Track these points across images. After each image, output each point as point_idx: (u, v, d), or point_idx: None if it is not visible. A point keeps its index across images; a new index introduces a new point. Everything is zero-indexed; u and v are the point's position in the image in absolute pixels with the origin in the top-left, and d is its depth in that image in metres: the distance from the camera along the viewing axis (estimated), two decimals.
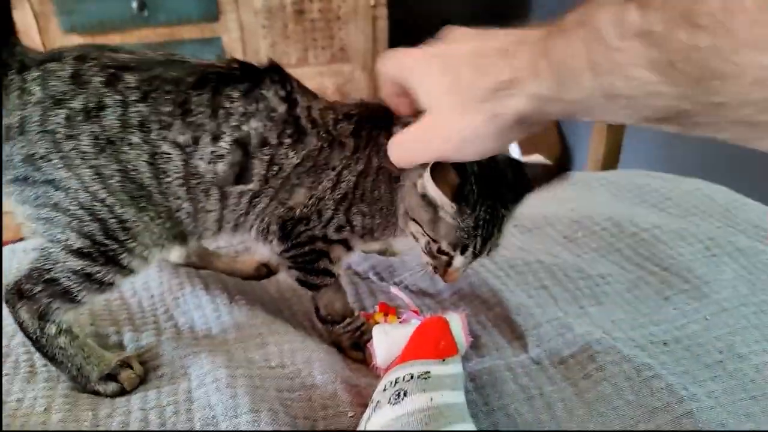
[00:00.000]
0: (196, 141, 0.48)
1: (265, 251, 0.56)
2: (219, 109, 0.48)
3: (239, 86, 0.49)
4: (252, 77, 0.50)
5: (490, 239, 0.47)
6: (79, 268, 0.47)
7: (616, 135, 1.34)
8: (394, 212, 0.52)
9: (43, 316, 0.47)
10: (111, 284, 0.48)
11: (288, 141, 0.50)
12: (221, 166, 0.49)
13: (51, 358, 0.47)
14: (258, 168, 0.50)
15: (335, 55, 2.21)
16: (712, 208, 0.74)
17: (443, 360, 0.35)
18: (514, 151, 2.32)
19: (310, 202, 0.52)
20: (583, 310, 0.55)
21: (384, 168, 0.51)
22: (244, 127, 0.49)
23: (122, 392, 0.46)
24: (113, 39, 1.92)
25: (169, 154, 0.47)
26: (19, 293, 0.46)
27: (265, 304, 0.58)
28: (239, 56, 1.83)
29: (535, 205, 0.74)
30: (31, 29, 1.83)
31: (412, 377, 0.33)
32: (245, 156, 0.49)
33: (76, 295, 0.47)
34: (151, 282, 0.58)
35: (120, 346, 0.52)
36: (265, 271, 0.64)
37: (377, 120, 0.52)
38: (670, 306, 0.55)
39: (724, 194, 0.78)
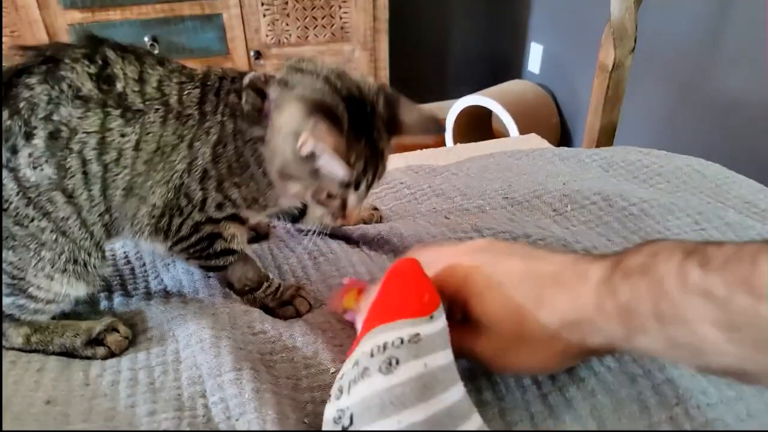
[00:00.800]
0: (12, 150, 0.43)
1: (157, 249, 0.53)
2: (19, 103, 0.43)
3: (37, 70, 0.44)
4: (53, 58, 0.45)
5: (376, 171, 0.47)
6: (9, 302, 0.47)
7: (611, 114, 1.34)
8: (268, 177, 0.49)
9: (7, 338, 0.48)
10: (39, 312, 0.48)
11: (115, 123, 0.45)
12: (48, 169, 0.44)
13: (37, 351, 0.48)
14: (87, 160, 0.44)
15: (335, 34, 2.20)
16: (703, 183, 0.75)
17: (431, 317, 0.34)
18: (512, 130, 2.32)
19: (171, 187, 0.47)
20: None
21: (237, 127, 0.47)
22: (55, 117, 0.43)
23: (112, 355, 0.47)
24: (113, 15, 1.92)
25: None
26: None
27: None
28: (239, 34, 1.86)
29: (525, 179, 0.76)
30: (30, 6, 1.82)
31: (402, 342, 0.33)
32: (68, 149, 0.44)
33: (18, 318, 0.48)
34: (144, 247, 0.59)
35: (111, 311, 0.53)
36: (254, 235, 0.64)
37: (226, 80, 0.48)
38: None
39: (715, 170, 0.78)
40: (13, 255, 0.46)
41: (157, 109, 0.46)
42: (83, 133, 0.44)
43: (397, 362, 0.32)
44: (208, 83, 0.48)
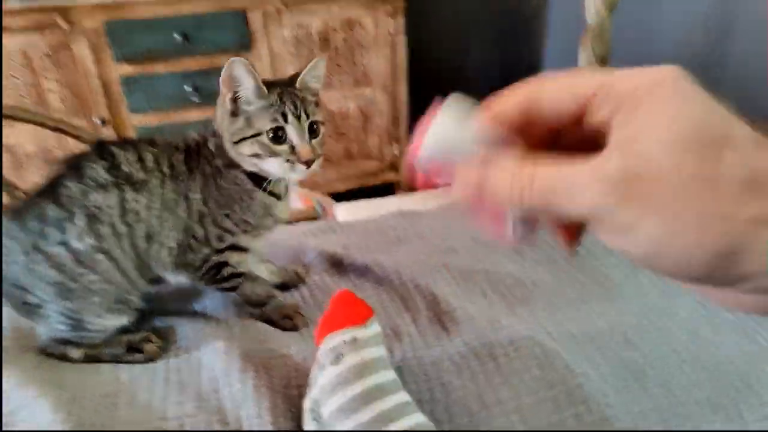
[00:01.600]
0: (62, 230, 0.59)
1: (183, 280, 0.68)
2: (62, 198, 0.59)
3: (68, 173, 0.60)
4: (77, 164, 0.61)
5: (296, 102, 0.61)
6: (72, 335, 0.62)
7: None
8: (247, 194, 0.63)
9: (67, 355, 0.63)
10: (92, 338, 0.63)
11: (129, 194, 0.60)
12: (89, 239, 0.59)
13: (92, 362, 0.62)
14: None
15: (358, 79, 2.38)
16: None
17: (365, 325, 0.49)
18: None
19: (180, 231, 0.62)
20: (512, 311, 0.68)
21: (214, 168, 0.62)
22: (87, 203, 0.59)
23: (149, 360, 0.62)
24: (159, 68, 2.14)
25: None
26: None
27: None
28: None
29: None
30: (87, 59, 2.06)
31: (345, 342, 0.47)
32: (100, 222, 0.59)
33: (77, 342, 0.63)
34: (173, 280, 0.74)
35: (150, 326, 0.68)
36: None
37: (201, 140, 0.64)
38: (585, 307, 0.67)
39: None
40: (71, 303, 0.61)
41: (156, 176, 0.62)
42: (107, 207, 0.60)
43: (342, 356, 0.46)
44: (190, 146, 0.64)
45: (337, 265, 0.77)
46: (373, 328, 0.50)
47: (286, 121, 0.60)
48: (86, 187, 0.60)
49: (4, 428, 0.51)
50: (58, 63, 2.05)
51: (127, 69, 2.11)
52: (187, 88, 2.19)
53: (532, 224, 0.31)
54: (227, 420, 0.51)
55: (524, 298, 0.69)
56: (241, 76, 0.59)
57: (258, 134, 0.60)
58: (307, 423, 0.49)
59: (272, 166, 0.62)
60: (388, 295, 0.70)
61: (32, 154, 2.13)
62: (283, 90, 0.61)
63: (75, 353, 0.62)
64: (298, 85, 0.63)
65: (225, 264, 0.67)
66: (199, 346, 0.62)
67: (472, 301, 0.68)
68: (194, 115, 2.22)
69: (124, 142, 0.65)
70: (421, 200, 1.10)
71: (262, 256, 0.75)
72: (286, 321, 0.67)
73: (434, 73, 2.77)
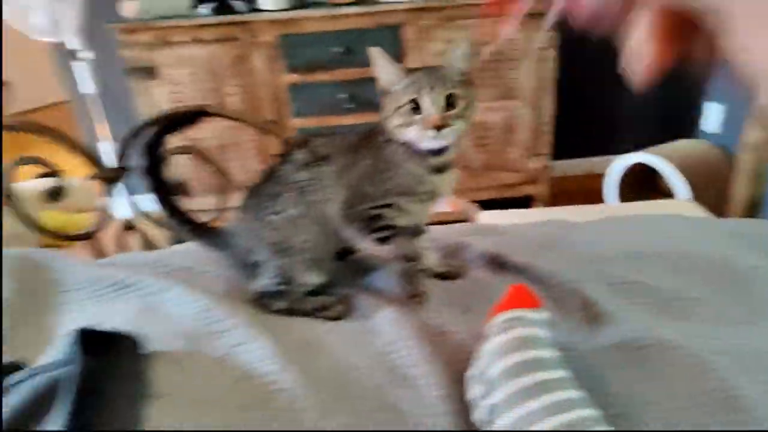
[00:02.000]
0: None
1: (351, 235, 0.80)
2: (278, 175, 0.77)
3: (281, 160, 0.78)
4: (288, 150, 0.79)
5: (432, 78, 0.69)
6: (282, 288, 0.77)
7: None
8: (400, 163, 0.74)
9: (269, 305, 0.77)
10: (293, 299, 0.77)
11: (324, 168, 0.76)
12: (300, 207, 0.76)
13: (289, 314, 0.76)
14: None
15: (503, 93, 2.42)
16: None
17: (535, 309, 0.55)
18: (681, 191, 2.28)
19: (350, 189, 0.76)
20: (669, 322, 0.69)
21: (379, 143, 0.74)
22: (296, 179, 0.76)
23: (336, 319, 0.74)
24: (320, 77, 2.36)
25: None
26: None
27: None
28: None
29: (647, 238, 0.89)
30: (262, 68, 2.33)
31: (513, 318, 0.54)
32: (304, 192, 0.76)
33: (281, 294, 0.77)
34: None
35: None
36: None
37: (372, 127, 0.77)
38: (750, 327, 0.67)
39: None
40: (283, 260, 0.77)
41: (337, 150, 0.77)
42: (307, 180, 0.76)
43: (509, 329, 0.53)
44: (365, 132, 0.79)
45: (495, 263, 0.83)
46: (542, 314, 0.55)
47: (420, 94, 0.70)
48: (293, 167, 0.77)
49: (219, 353, 0.65)
50: (238, 71, 2.35)
51: (293, 78, 2.36)
52: (343, 96, 2.39)
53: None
54: (401, 377, 0.60)
55: (683, 312, 0.70)
56: (381, 63, 0.73)
57: (400, 107, 0.71)
58: (471, 389, 0.56)
59: (411, 134, 0.72)
60: (542, 296, 0.75)
61: (212, 147, 2.46)
62: (424, 70, 0.72)
63: (278, 305, 0.76)
64: (442, 63, 0.73)
65: (380, 217, 0.78)
66: (374, 314, 0.72)
67: (626, 308, 0.71)
68: (348, 119, 2.41)
69: (322, 135, 0.80)
70: (568, 213, 1.12)
71: (425, 235, 0.84)
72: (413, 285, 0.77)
73: (585, 83, 2.70)
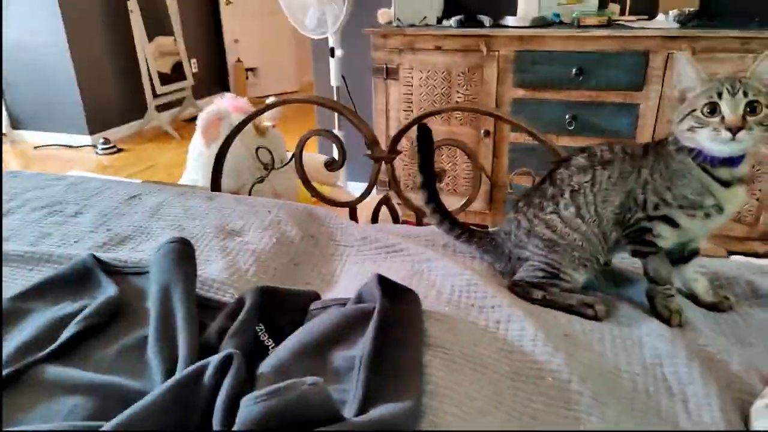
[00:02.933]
0: (555, 203, 0.82)
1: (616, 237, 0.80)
2: (557, 179, 0.83)
3: (563, 165, 0.83)
4: (569, 156, 0.84)
5: (735, 85, 0.68)
6: (545, 282, 0.82)
7: None
8: (687, 171, 0.72)
9: (529, 293, 0.82)
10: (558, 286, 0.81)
11: (599, 173, 0.78)
12: (571, 208, 0.80)
13: (548, 306, 0.80)
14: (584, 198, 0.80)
15: None
16: None
17: None
18: None
19: (625, 195, 0.76)
20: None
21: (665, 151, 0.75)
22: (572, 182, 0.80)
23: (596, 319, 0.76)
24: (547, 95, 2.36)
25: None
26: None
27: None
28: (649, 122, 2.19)
29: None
30: (492, 81, 2.41)
31: None
32: (579, 194, 0.79)
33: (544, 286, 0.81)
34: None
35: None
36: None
37: (657, 140, 0.77)
38: None
39: None
40: (555, 255, 0.81)
41: (619, 156, 0.79)
42: (584, 183, 0.80)
43: None
44: (648, 143, 0.79)
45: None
46: None
47: (720, 98, 0.68)
48: (571, 171, 0.82)
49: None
50: (469, 80, 2.46)
51: (520, 93, 2.40)
52: (567, 117, 2.36)
53: None
54: (673, 390, 0.60)
55: None
56: (684, 68, 0.72)
57: (694, 110, 0.70)
58: (758, 419, 0.53)
59: (703, 136, 0.70)
60: None
61: None
62: (727, 77, 0.70)
63: (537, 293, 0.81)
64: (748, 74, 0.70)
65: (648, 230, 0.77)
66: (638, 323, 0.72)
67: None
68: (564, 140, 2.38)
69: (603, 146, 0.83)
70: None
71: (697, 260, 0.82)
72: (665, 310, 0.76)
73: None
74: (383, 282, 0.70)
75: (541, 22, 2.35)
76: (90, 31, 4.02)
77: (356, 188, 2.87)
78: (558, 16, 2.41)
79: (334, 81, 2.68)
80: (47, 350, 0.69)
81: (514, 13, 2.42)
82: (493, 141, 2.50)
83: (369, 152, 1.24)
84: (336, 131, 2.77)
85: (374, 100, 2.60)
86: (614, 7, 2.47)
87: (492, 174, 2.53)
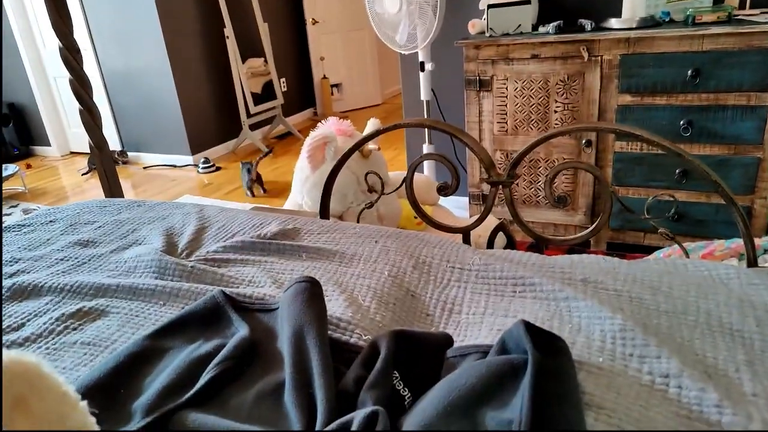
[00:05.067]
0: None
1: None
2: None
3: None
4: None
5: None
6: None
7: None
8: None
9: None
10: None
11: None
12: None
13: None
14: None
15: None
16: None
17: None
18: None
19: None
20: None
21: None
22: None
23: None
24: (658, 100, 2.20)
25: None
26: None
27: None
28: None
29: None
30: (594, 88, 2.28)
31: None
32: None
33: None
34: None
35: None
36: None
37: None
38: None
39: None
40: None
41: None
42: None
43: None
44: None
45: None
46: None
47: None
48: None
49: None
50: (569, 88, 2.34)
51: (626, 99, 2.24)
52: (681, 123, 2.18)
53: None
54: None
55: None
56: None
57: None
58: None
59: None
60: None
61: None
62: None
63: None
64: None
65: None
66: None
67: None
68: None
69: None
70: None
71: None
72: None
73: None
74: (531, 329, 0.64)
75: (649, 23, 2.19)
76: (191, 58, 4.27)
77: (449, 204, 2.82)
78: (667, 14, 2.24)
79: (424, 95, 2.65)
80: (188, 394, 0.69)
81: (618, 15, 2.28)
82: (596, 151, 2.36)
83: (486, 177, 1.18)
84: (425, 148, 2.73)
85: (466, 113, 2.54)
86: (731, 1, 2.26)
87: (595, 186, 2.39)
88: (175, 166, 4.42)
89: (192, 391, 0.69)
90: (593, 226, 1.12)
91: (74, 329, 0.90)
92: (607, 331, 0.71)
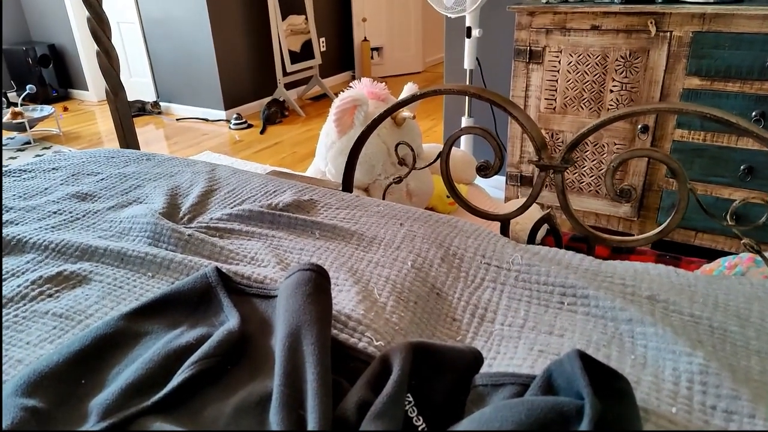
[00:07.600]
0: None
1: None
2: None
3: None
4: None
5: None
6: None
7: None
8: None
9: None
10: None
11: None
12: None
13: None
14: None
15: None
16: None
17: None
18: None
19: None
20: None
21: None
22: None
23: None
24: (730, 87, 1.97)
25: None
26: None
27: None
28: None
29: None
30: (659, 67, 2.05)
31: None
32: None
33: None
34: None
35: None
36: None
37: None
38: None
39: None
40: None
41: None
42: None
43: None
44: None
45: None
46: None
47: None
48: None
49: None
50: (629, 66, 2.12)
51: (694, 82, 2.02)
52: (753, 114, 1.95)
53: None
54: None
55: None
56: None
57: None
58: None
59: None
60: None
61: None
62: None
63: None
64: None
65: None
66: None
67: None
68: (746, 142, 1.98)
69: None
70: None
71: None
72: None
73: None
74: (588, 366, 0.50)
75: None
76: (230, 11, 4.12)
77: (485, 183, 2.64)
78: None
79: (467, 64, 2.45)
80: (156, 397, 0.57)
81: None
82: (652, 137, 2.15)
83: (536, 159, 1.01)
84: (464, 120, 2.54)
85: (512, 86, 2.34)
86: None
87: (646, 176, 2.18)
88: (207, 120, 4.32)
89: (161, 394, 0.57)
90: (662, 227, 0.95)
91: (49, 296, 0.79)
92: (683, 372, 0.56)
